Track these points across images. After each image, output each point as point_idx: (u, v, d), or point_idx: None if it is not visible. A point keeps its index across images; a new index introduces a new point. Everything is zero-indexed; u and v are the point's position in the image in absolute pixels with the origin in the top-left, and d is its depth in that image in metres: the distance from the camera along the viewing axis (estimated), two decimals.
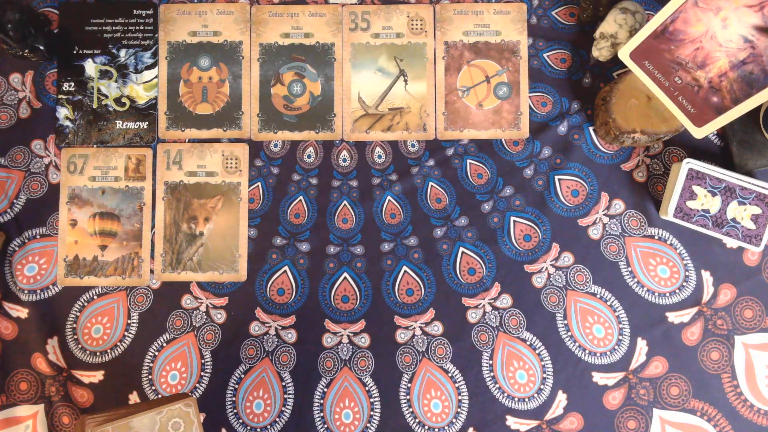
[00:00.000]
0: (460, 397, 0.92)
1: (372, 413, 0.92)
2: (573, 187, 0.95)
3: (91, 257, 0.94)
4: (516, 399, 0.92)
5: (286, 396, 0.92)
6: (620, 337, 0.92)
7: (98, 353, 0.93)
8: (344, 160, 0.97)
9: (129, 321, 0.93)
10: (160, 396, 0.92)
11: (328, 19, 0.98)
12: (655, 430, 0.91)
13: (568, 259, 0.94)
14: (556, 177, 0.95)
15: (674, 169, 0.91)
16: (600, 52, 0.93)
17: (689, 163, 0.87)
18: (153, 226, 0.95)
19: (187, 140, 0.97)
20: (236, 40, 0.98)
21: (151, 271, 0.94)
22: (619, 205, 0.95)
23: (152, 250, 0.94)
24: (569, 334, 0.92)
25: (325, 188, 0.96)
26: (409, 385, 0.92)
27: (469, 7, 0.98)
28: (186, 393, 0.91)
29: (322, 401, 0.92)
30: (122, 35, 0.98)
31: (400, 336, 0.93)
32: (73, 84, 0.97)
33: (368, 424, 0.91)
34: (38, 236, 0.95)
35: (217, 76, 0.97)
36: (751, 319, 0.92)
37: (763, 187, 0.86)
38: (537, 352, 0.92)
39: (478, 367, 0.92)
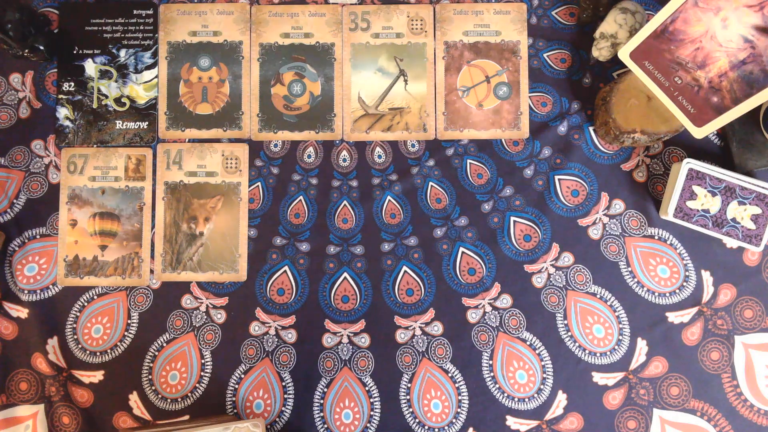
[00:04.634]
0: (460, 397, 0.92)
1: (372, 413, 0.92)
2: (573, 187, 0.95)
3: (91, 257, 0.94)
4: (516, 399, 0.92)
5: (286, 396, 0.92)
6: (620, 337, 0.92)
7: (98, 353, 0.93)
8: (344, 160, 0.97)
9: (129, 321, 0.93)
10: (161, 396, 0.92)
11: (328, 19, 0.98)
12: (655, 430, 0.91)
13: (568, 259, 0.94)
14: (556, 177, 0.95)
15: (674, 169, 0.91)
16: (600, 52, 0.93)
17: (689, 163, 0.87)
18: (153, 226, 0.95)
19: (187, 140, 0.97)
20: (236, 40, 0.98)
21: (151, 271, 0.94)
22: (619, 205, 0.95)
23: (152, 250, 0.94)
24: (569, 334, 0.92)
25: (325, 188, 0.96)
26: (409, 385, 0.92)
27: (469, 7, 0.98)
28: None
29: (322, 401, 0.92)
30: (122, 35, 0.98)
31: (400, 336, 0.93)
32: (73, 84, 0.97)
33: (368, 424, 0.91)
34: (38, 236, 0.95)
35: (217, 76, 0.97)
36: (751, 319, 0.92)
37: (763, 187, 0.86)
38: (537, 352, 0.92)
39: (478, 367, 0.92)
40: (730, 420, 0.90)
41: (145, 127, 0.97)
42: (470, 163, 0.96)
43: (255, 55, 0.98)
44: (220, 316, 0.93)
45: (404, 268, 0.94)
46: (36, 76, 0.97)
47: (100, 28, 0.98)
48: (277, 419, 0.92)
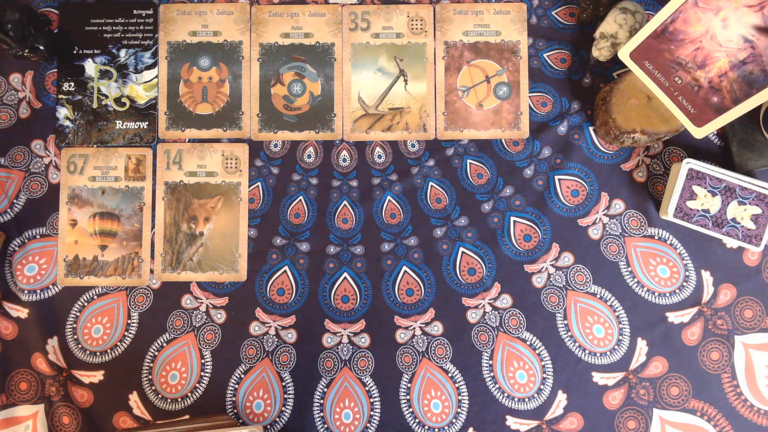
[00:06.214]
0: (460, 397, 0.92)
1: (372, 413, 0.92)
2: (573, 187, 0.95)
3: (91, 257, 0.94)
4: (516, 399, 0.92)
5: (286, 396, 0.92)
6: (620, 337, 0.92)
7: (98, 353, 0.93)
8: (344, 160, 0.97)
9: (129, 321, 0.93)
10: (161, 396, 0.92)
11: (328, 19, 0.98)
12: (655, 430, 0.91)
13: (568, 259, 0.94)
14: (556, 177, 0.95)
15: (674, 169, 0.91)
16: (600, 52, 0.93)
17: (689, 163, 0.87)
18: (153, 226, 0.95)
19: (187, 140, 0.97)
20: (236, 40, 0.98)
21: (151, 271, 0.94)
22: (619, 205, 0.95)
23: (152, 250, 0.94)
24: (569, 334, 0.92)
25: (325, 188, 0.96)
26: (409, 385, 0.92)
27: (469, 7, 0.98)
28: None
29: (322, 401, 0.92)
30: (122, 35, 0.98)
31: (400, 336, 0.93)
32: (73, 84, 0.97)
33: (368, 424, 0.91)
34: (38, 236, 0.95)
35: (217, 76, 0.97)
36: (751, 319, 0.92)
37: (763, 187, 0.86)
38: (537, 352, 0.92)
39: (478, 367, 0.92)
40: (730, 420, 0.90)
41: (145, 127, 0.97)
42: (470, 163, 0.96)
43: (255, 55, 0.98)
44: (220, 316, 0.93)
45: (404, 268, 0.94)
46: (36, 76, 0.97)
47: (100, 28, 0.98)
48: (277, 419, 0.92)
